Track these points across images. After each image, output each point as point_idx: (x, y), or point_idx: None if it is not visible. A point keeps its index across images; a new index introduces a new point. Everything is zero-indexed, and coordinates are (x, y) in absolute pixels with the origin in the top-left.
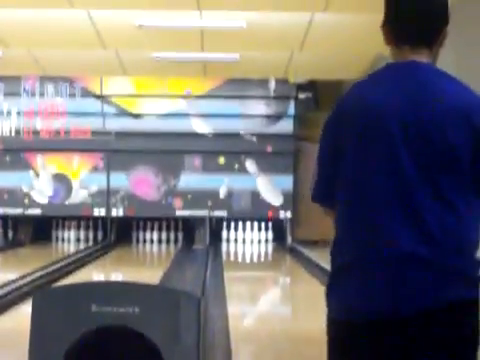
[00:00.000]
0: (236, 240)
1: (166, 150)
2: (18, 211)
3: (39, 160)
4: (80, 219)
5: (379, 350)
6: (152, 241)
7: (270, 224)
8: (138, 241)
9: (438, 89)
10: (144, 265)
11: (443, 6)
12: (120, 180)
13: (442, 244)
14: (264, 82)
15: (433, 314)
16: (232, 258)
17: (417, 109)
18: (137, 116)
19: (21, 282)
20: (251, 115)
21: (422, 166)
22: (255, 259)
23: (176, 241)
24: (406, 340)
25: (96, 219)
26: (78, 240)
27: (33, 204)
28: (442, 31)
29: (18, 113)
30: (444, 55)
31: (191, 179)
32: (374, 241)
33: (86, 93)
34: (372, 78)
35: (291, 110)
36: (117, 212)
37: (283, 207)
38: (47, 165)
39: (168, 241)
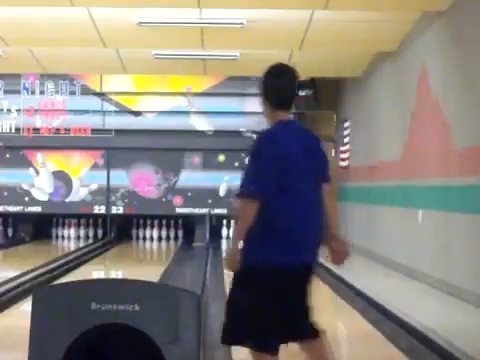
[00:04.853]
0: None
1: (166, 148)
2: (18, 209)
3: (39, 158)
4: (80, 217)
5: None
6: (152, 239)
7: None
8: (138, 239)
9: (305, 134)
10: (144, 263)
11: (296, 88)
12: (120, 178)
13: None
14: None
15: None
16: None
17: (304, 145)
18: (137, 113)
19: (21, 280)
20: (251, 113)
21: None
22: None
23: (176, 239)
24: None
25: (96, 217)
26: (78, 238)
27: (33, 202)
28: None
29: (18, 111)
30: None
31: (191, 177)
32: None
33: (86, 91)
34: (281, 129)
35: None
36: (117, 210)
37: None
38: (47, 163)
39: (168, 239)
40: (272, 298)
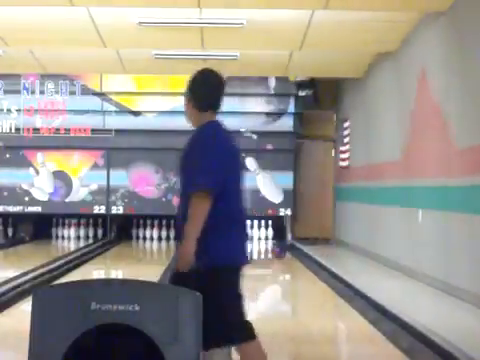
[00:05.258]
0: None
1: (166, 147)
2: (18, 209)
3: (39, 158)
4: (80, 217)
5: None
6: (152, 238)
7: (270, 222)
8: (138, 238)
9: (232, 136)
10: (144, 263)
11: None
12: (120, 178)
13: None
14: (264, 80)
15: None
16: None
17: (235, 146)
18: (137, 113)
19: (21, 280)
20: (251, 113)
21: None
22: (255, 256)
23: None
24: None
25: (96, 217)
26: (78, 238)
27: (33, 202)
28: None
29: (18, 111)
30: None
31: None
32: None
33: (86, 91)
34: (217, 128)
35: (291, 108)
36: (117, 210)
37: (283, 204)
38: (47, 163)
39: (168, 238)
40: (238, 291)
